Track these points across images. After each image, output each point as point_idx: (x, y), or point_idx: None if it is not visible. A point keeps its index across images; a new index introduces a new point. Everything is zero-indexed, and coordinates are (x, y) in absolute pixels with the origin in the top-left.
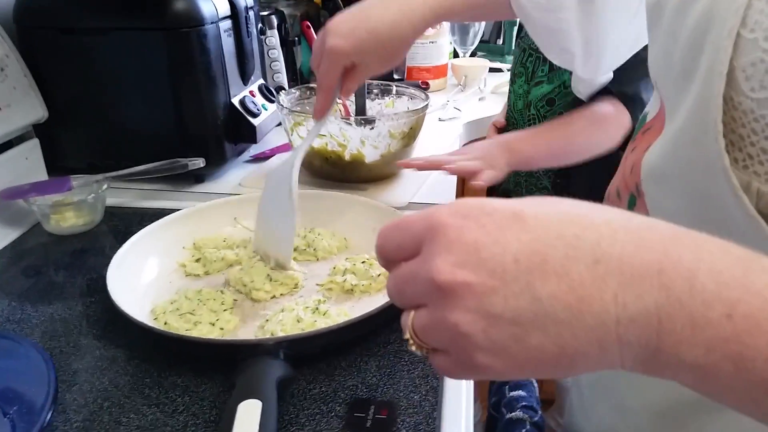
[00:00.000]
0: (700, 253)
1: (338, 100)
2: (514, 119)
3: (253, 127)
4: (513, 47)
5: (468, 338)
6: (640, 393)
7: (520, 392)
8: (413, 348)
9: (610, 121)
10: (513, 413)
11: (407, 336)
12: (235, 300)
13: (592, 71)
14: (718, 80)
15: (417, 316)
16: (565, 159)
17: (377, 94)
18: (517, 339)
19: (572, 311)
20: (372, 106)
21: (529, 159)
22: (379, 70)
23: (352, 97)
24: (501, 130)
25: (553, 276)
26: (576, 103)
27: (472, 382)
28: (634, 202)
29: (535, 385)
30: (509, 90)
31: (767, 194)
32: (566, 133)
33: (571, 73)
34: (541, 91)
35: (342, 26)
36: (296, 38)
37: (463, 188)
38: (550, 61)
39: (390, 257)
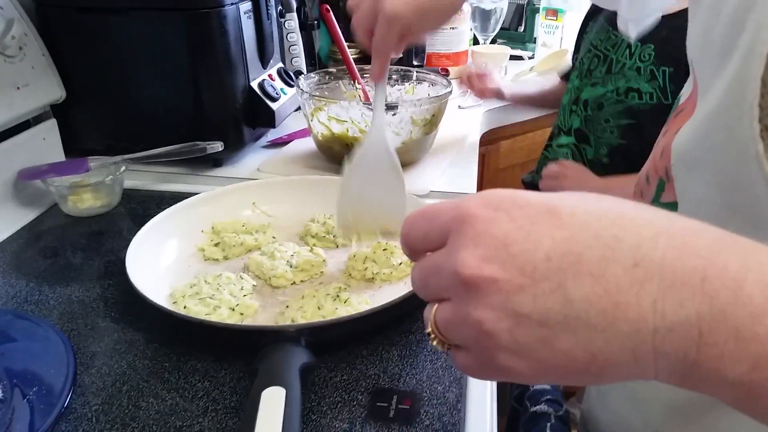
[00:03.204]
0: (748, 262)
1: (358, 86)
2: (561, 111)
3: (271, 112)
4: (534, 35)
5: (492, 337)
6: (653, 385)
7: (545, 385)
8: (434, 343)
9: None
10: (537, 406)
11: (429, 330)
12: (254, 285)
13: (639, 8)
14: (758, 61)
15: (440, 310)
16: None
17: (397, 80)
18: (545, 342)
19: (606, 316)
20: (391, 92)
21: None
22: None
23: (372, 83)
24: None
25: (588, 277)
26: (624, 114)
27: None
28: (662, 187)
29: None
30: None
31: None
32: None
33: (626, 79)
34: (595, 92)
35: None
36: (315, 22)
37: (482, 177)
38: (608, 64)
39: (415, 247)
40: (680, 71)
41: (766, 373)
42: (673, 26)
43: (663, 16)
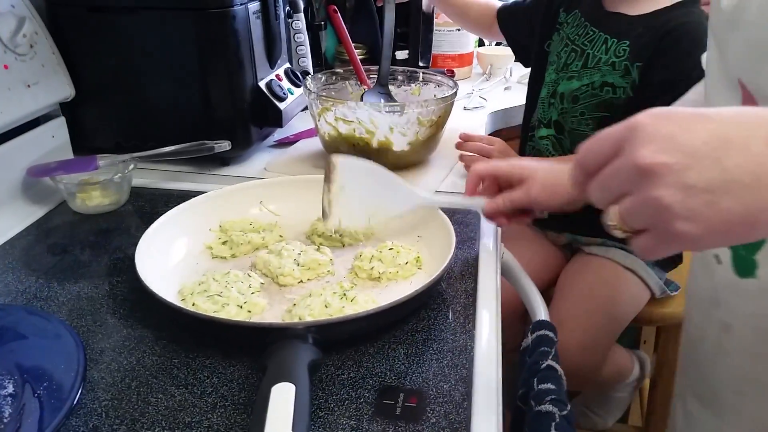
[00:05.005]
0: None
1: (365, 87)
2: (540, 103)
3: (279, 111)
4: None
5: (669, 209)
6: None
7: (549, 385)
8: (618, 233)
9: None
10: (541, 406)
11: (614, 222)
12: (262, 283)
13: None
14: None
15: (622, 203)
16: None
17: (403, 81)
18: (710, 204)
19: (754, 175)
20: (397, 93)
21: None
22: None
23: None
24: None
25: (736, 150)
26: (599, 108)
27: (501, 375)
28: None
29: (564, 378)
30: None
31: None
32: None
33: (601, 74)
34: (570, 86)
35: None
36: (322, 22)
37: None
38: (585, 58)
39: (590, 165)
40: (649, 66)
41: None
42: (648, 25)
43: (639, 15)
